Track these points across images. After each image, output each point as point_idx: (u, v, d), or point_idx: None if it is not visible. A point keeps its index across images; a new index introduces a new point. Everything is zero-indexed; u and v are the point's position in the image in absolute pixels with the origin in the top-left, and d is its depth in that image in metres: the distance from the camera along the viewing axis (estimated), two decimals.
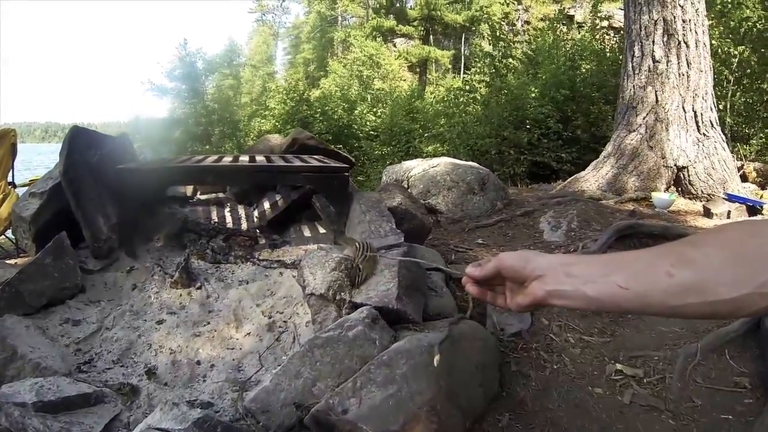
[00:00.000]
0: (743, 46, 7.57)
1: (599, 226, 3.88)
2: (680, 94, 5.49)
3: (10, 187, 4.31)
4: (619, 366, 2.00)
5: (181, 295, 2.21)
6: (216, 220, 3.15)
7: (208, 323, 2.03)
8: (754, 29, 7.58)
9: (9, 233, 3.89)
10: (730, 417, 1.70)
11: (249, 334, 1.98)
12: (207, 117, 17.46)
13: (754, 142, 7.94)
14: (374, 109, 15.48)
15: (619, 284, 0.64)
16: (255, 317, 2.07)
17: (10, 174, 4.38)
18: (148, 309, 2.11)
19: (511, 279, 0.73)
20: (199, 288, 2.26)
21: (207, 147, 15.91)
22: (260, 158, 2.88)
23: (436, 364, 1.40)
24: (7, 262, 2.59)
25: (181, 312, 2.09)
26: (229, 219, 3.19)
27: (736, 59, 7.53)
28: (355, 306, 1.78)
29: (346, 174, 2.58)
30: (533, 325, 2.25)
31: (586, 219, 4.00)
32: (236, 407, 1.56)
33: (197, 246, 2.63)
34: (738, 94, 7.93)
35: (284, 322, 2.03)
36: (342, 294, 1.79)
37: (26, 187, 3.25)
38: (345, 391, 1.45)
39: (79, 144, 2.41)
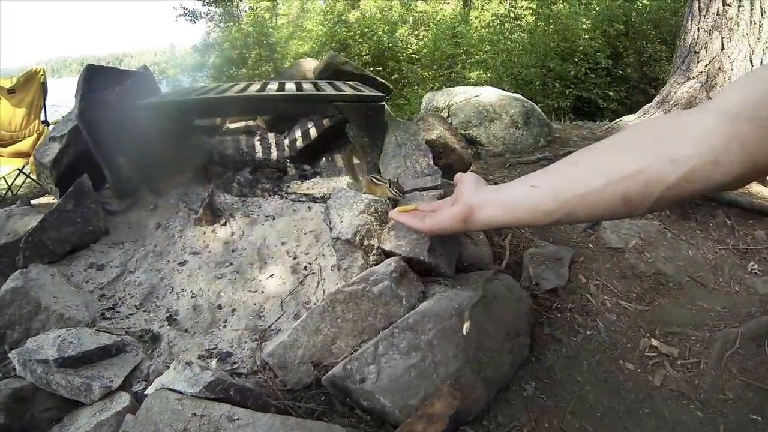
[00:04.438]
0: None
1: None
2: (749, 45, 4.65)
3: (43, 125, 4.33)
4: (654, 342, 1.81)
5: (205, 233, 2.10)
6: (245, 150, 2.99)
7: (231, 264, 1.92)
8: None
9: None
10: (759, 418, 1.52)
11: (272, 276, 1.86)
12: (242, 40, 16.84)
13: None
14: (416, 32, 14.43)
15: (531, 184, 0.72)
16: (279, 257, 1.94)
17: (43, 112, 4.39)
18: (171, 249, 2.02)
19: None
20: (224, 224, 2.15)
21: (243, 71, 15.41)
22: (290, 86, 2.63)
23: (465, 333, 1.21)
24: (33, 203, 2.54)
25: (204, 252, 1.99)
26: (258, 149, 3.03)
27: None
28: (384, 253, 1.59)
29: (381, 103, 2.28)
30: (570, 282, 2.05)
31: None
32: (255, 358, 1.48)
33: (223, 179, 2.49)
34: None
35: (309, 263, 1.89)
36: (370, 240, 1.59)
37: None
38: (365, 357, 1.32)
39: (95, 83, 2.24)
